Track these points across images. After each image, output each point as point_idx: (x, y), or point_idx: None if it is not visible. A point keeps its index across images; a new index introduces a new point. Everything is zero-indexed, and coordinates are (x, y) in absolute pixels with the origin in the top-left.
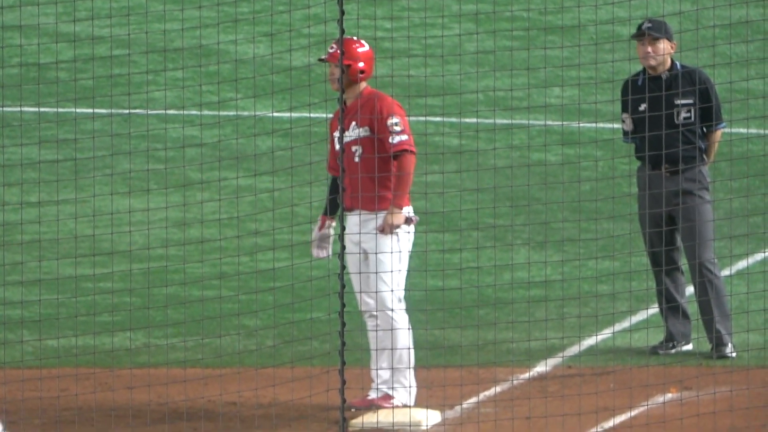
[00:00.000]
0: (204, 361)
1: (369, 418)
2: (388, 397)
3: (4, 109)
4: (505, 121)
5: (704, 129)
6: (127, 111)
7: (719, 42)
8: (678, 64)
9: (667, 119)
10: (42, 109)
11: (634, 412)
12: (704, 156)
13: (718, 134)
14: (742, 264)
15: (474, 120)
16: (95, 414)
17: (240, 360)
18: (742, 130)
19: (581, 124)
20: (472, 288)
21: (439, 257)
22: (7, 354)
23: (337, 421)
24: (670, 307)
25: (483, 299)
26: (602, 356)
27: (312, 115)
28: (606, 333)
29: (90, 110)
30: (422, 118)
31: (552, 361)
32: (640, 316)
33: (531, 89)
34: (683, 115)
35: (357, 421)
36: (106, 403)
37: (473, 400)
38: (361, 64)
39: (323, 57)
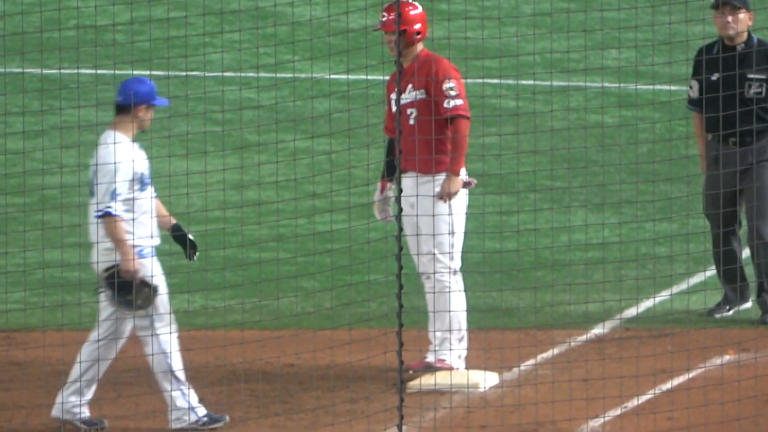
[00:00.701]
0: (262, 323)
1: (426, 380)
2: (445, 360)
3: (62, 71)
4: (562, 83)
5: None
6: (184, 73)
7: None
8: (755, 37)
9: (735, 91)
10: (99, 71)
11: (691, 374)
12: None
13: None
14: None
15: (531, 82)
16: (153, 376)
17: (298, 322)
18: None
19: (638, 86)
20: (529, 250)
21: (496, 219)
22: (66, 316)
23: (394, 383)
24: (727, 269)
25: (540, 261)
26: (660, 318)
27: (369, 77)
28: (664, 295)
29: (147, 72)
30: (479, 81)
31: (609, 324)
32: (698, 278)
33: (588, 51)
34: (754, 90)
35: (415, 383)
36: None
37: (531, 362)
38: (417, 26)
39: (377, 27)
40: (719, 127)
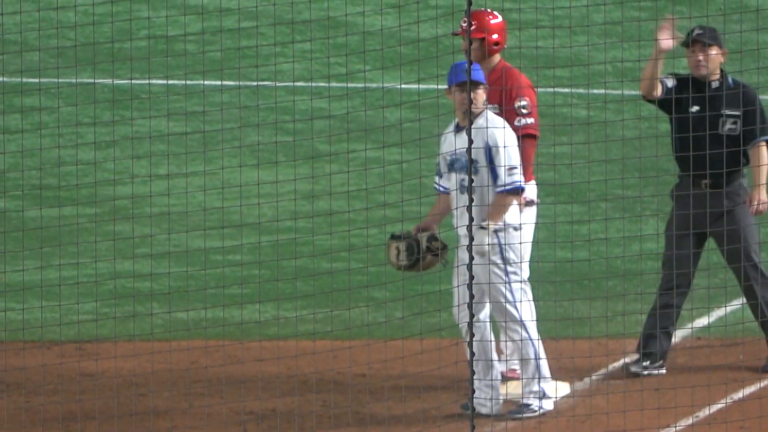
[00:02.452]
0: (333, 334)
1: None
2: (516, 370)
3: (133, 81)
4: (633, 93)
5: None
6: (255, 83)
7: None
8: (730, 77)
9: (711, 127)
10: (170, 82)
11: (763, 383)
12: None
13: (761, 146)
14: None
15: (602, 91)
16: (224, 386)
17: (369, 332)
18: None
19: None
20: (600, 259)
21: (567, 228)
22: (137, 327)
23: (466, 393)
24: (664, 325)
25: (612, 271)
26: (731, 327)
27: (440, 86)
28: (735, 304)
29: (218, 82)
30: (550, 90)
31: (681, 333)
32: None
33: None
34: (729, 126)
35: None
36: (236, 376)
37: (602, 371)
38: (494, 36)
39: (457, 31)
40: (691, 166)
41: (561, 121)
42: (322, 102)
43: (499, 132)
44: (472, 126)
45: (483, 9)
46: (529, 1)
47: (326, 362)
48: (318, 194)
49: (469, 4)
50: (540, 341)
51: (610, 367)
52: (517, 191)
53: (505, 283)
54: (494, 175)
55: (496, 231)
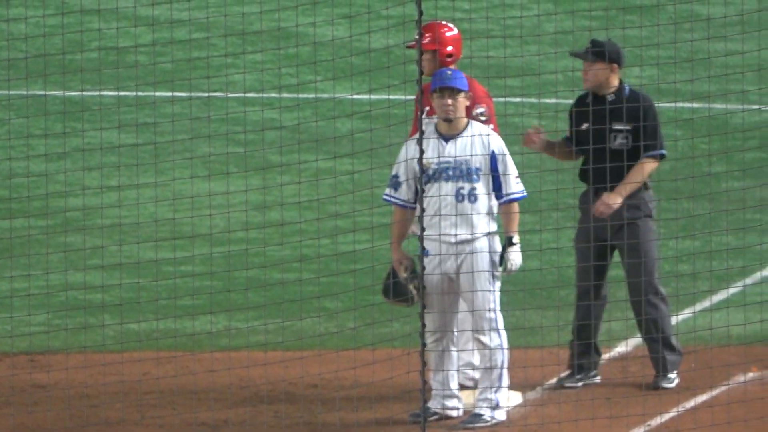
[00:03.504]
0: (285, 344)
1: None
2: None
3: (84, 93)
4: None
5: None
6: (206, 94)
7: None
8: (628, 87)
9: (602, 141)
10: (121, 93)
11: (715, 392)
12: (646, 182)
13: (648, 163)
14: None
15: (553, 100)
16: (177, 397)
17: (321, 342)
18: None
19: (660, 104)
20: (552, 269)
21: (519, 238)
22: (89, 338)
23: (418, 403)
24: (583, 336)
25: (563, 280)
26: (683, 336)
27: (391, 96)
28: (687, 313)
29: (169, 93)
30: (501, 99)
31: (633, 341)
32: (721, 295)
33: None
34: (619, 140)
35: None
36: (188, 387)
37: (554, 381)
38: (448, 48)
39: (410, 43)
40: (591, 179)
41: (512, 130)
42: (274, 113)
43: (499, 139)
44: (461, 135)
45: (438, 21)
46: (480, 11)
47: (278, 373)
48: (269, 205)
49: (420, 14)
50: (509, 350)
51: (563, 374)
52: (523, 199)
53: (492, 290)
54: (496, 184)
55: (488, 235)
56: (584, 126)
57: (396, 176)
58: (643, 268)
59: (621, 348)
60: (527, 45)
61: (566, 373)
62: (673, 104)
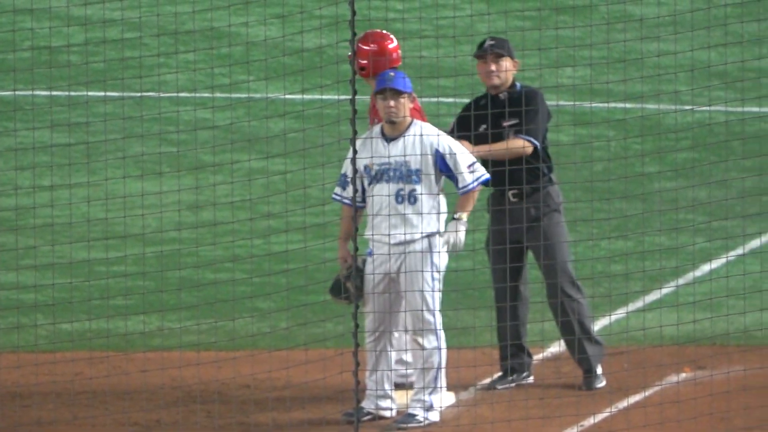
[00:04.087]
0: (218, 344)
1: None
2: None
3: (16, 92)
4: None
5: (546, 150)
6: (139, 94)
7: (731, 20)
8: (519, 84)
9: (499, 141)
10: (54, 93)
11: (648, 392)
12: (551, 177)
13: (517, 141)
14: (755, 243)
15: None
16: (109, 397)
17: (254, 343)
18: (755, 109)
19: (593, 104)
20: (485, 269)
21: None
22: (21, 338)
23: (351, 404)
24: (515, 343)
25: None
26: (616, 336)
27: (324, 97)
28: (620, 313)
29: (102, 93)
30: (434, 99)
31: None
32: (654, 295)
33: (542, 69)
34: (512, 137)
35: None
36: (120, 387)
37: (487, 381)
38: (363, 61)
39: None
40: (496, 181)
41: (445, 131)
42: (206, 113)
43: (443, 137)
44: (404, 136)
45: (379, 30)
46: (413, 11)
47: (211, 373)
48: (202, 205)
49: (353, 14)
50: (446, 350)
51: (495, 376)
52: (486, 183)
53: (432, 290)
54: (453, 180)
55: (429, 236)
56: (482, 128)
57: (344, 175)
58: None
59: (554, 348)
60: (460, 45)
61: (498, 375)
62: (605, 104)
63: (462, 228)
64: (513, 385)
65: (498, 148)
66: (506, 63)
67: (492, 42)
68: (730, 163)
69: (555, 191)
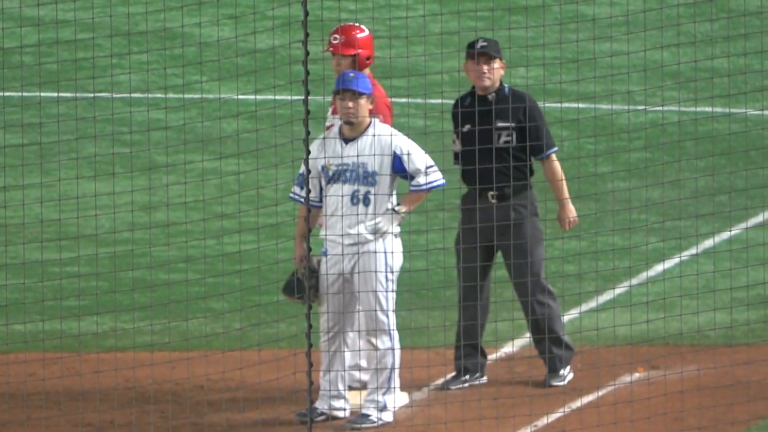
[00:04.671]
0: (171, 345)
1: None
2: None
3: None
4: None
5: (531, 156)
6: (92, 95)
7: (684, 20)
8: (507, 87)
9: (487, 141)
10: (6, 94)
11: (601, 392)
12: (530, 181)
13: (553, 159)
14: (708, 243)
15: (439, 101)
16: (62, 398)
17: (207, 343)
18: (707, 109)
19: (546, 104)
20: (438, 269)
21: (405, 239)
22: None
23: (304, 404)
24: (468, 337)
25: (450, 280)
26: (569, 336)
27: (277, 97)
28: (573, 313)
29: (55, 94)
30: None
31: (519, 342)
32: (607, 295)
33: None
34: (503, 138)
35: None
36: (74, 388)
37: (440, 381)
38: (362, 51)
39: (328, 49)
40: (476, 180)
41: (398, 131)
42: (159, 113)
43: (401, 138)
44: (361, 137)
45: (352, 24)
46: (366, 11)
47: (164, 373)
48: (155, 205)
49: (306, 15)
50: (400, 351)
51: (449, 376)
52: (438, 188)
53: (385, 291)
54: (408, 179)
55: (383, 237)
56: (466, 127)
57: (302, 174)
58: (529, 268)
59: (507, 348)
60: (413, 45)
61: (451, 375)
62: (558, 104)
63: (395, 221)
64: (466, 385)
65: (560, 177)
66: (497, 64)
67: (484, 43)
68: (683, 163)
69: (533, 194)
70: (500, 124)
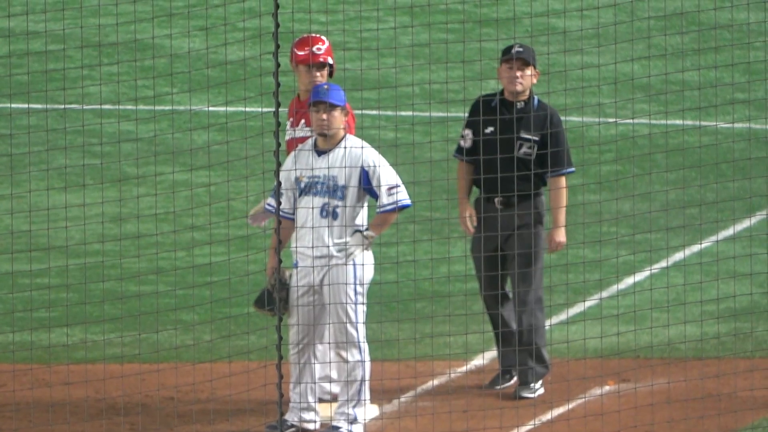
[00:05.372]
0: (141, 357)
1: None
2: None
3: None
4: (440, 114)
5: (545, 174)
6: (62, 106)
7: (654, 33)
8: (536, 98)
9: (507, 149)
10: None
11: (571, 405)
12: (540, 188)
13: (563, 181)
14: (678, 256)
15: (410, 113)
16: (33, 410)
17: (177, 355)
18: (678, 122)
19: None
20: (408, 281)
21: (375, 251)
22: None
23: (275, 416)
24: (505, 338)
25: (420, 293)
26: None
27: (247, 109)
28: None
29: (25, 105)
30: (358, 112)
31: (489, 354)
32: (577, 308)
33: (467, 82)
34: (524, 149)
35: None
36: (44, 400)
37: (411, 393)
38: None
39: (303, 57)
40: (489, 186)
41: (369, 143)
42: (130, 125)
43: (371, 152)
44: (334, 150)
45: (317, 35)
46: (337, 23)
47: (134, 385)
48: (126, 217)
49: (276, 26)
50: (370, 363)
51: (419, 389)
52: (403, 209)
53: (354, 303)
54: (374, 196)
55: (352, 253)
56: (489, 130)
57: (277, 184)
58: (534, 276)
59: (477, 361)
60: (383, 57)
61: (498, 375)
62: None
63: (365, 243)
64: (512, 381)
65: (563, 203)
66: (530, 71)
67: (520, 48)
68: (653, 175)
69: (541, 202)
70: (524, 135)
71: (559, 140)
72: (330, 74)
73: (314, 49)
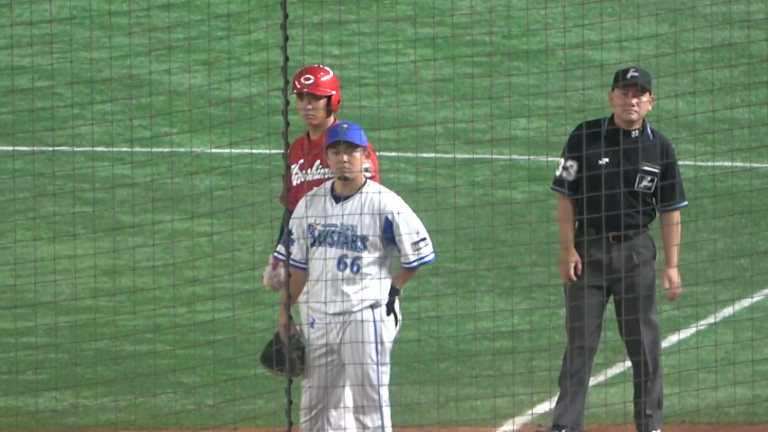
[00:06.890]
0: (138, 423)
1: None
2: None
3: None
4: (466, 156)
5: (657, 207)
6: (51, 148)
7: (700, 67)
8: (649, 127)
9: (626, 182)
10: None
11: None
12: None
13: (677, 215)
14: (727, 311)
15: (432, 155)
16: None
17: (177, 421)
18: (727, 164)
19: (549, 158)
20: (431, 339)
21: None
22: None
23: None
24: (579, 390)
25: (444, 352)
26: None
27: (254, 151)
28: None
29: (10, 148)
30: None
31: (520, 419)
32: (616, 369)
33: (494, 120)
34: (645, 183)
35: None
36: None
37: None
38: (333, 93)
39: (300, 89)
40: (601, 221)
41: (388, 187)
42: (125, 168)
43: (394, 199)
44: (354, 196)
45: (318, 66)
46: (352, 56)
47: None
48: (120, 270)
49: (286, 60)
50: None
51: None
52: (427, 264)
53: (376, 364)
54: (398, 248)
55: (372, 307)
56: (604, 161)
57: (289, 232)
58: (651, 314)
59: (507, 426)
60: (403, 94)
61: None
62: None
63: (395, 302)
64: None
65: (677, 240)
66: (645, 97)
67: (635, 73)
68: (699, 222)
69: (650, 236)
70: (646, 168)
71: (674, 172)
72: (330, 109)
73: (302, 78)
